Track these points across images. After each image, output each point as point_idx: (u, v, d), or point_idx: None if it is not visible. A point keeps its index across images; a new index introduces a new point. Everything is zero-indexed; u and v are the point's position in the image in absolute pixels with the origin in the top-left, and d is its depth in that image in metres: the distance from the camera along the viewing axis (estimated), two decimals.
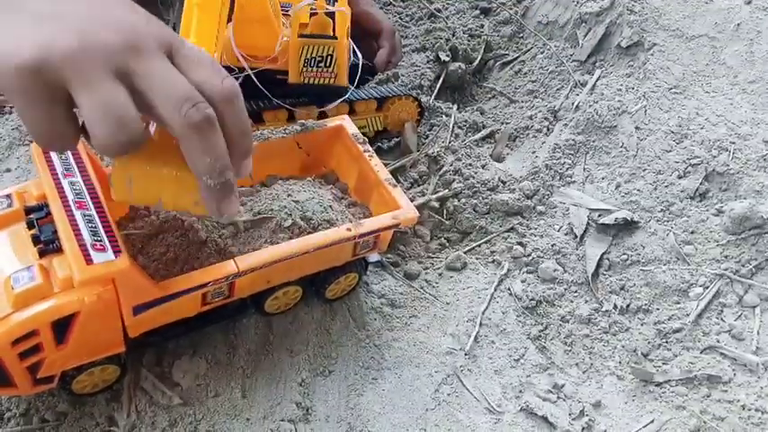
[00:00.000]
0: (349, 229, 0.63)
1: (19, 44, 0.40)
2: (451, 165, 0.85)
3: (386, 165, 0.84)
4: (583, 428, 0.64)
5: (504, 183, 0.84)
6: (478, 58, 1.04)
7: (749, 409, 0.64)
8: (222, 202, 0.46)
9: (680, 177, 0.81)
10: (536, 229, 0.81)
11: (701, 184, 0.80)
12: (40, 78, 0.39)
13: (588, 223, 0.79)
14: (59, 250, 0.54)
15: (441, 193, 0.82)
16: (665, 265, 0.75)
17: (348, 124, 0.74)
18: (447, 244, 0.81)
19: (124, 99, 0.41)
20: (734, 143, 0.83)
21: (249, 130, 0.46)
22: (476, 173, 0.85)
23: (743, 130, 0.85)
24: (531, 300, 0.74)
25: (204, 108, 0.42)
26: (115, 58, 0.40)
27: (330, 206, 0.67)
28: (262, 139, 0.71)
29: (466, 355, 0.70)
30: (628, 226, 0.78)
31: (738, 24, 0.95)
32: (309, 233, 0.63)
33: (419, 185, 0.84)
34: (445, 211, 0.82)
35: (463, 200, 0.82)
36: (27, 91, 0.40)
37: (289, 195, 0.67)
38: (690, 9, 0.99)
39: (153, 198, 0.49)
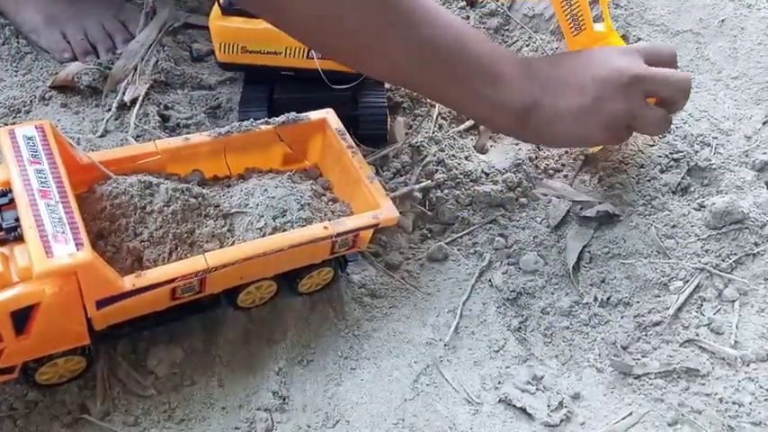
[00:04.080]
0: (326, 228, 0.62)
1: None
2: (435, 155, 0.84)
3: (369, 154, 0.84)
4: (561, 420, 0.64)
5: (486, 174, 0.84)
6: None
7: (726, 403, 0.64)
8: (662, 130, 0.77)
9: (662, 171, 0.81)
10: (518, 221, 0.80)
11: (682, 178, 0.80)
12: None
13: (570, 216, 0.79)
14: (21, 239, 0.52)
15: (423, 184, 0.81)
16: (645, 258, 0.75)
17: (332, 118, 0.73)
18: (429, 235, 0.80)
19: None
20: (716, 138, 0.84)
21: (685, 91, 0.73)
22: (459, 164, 0.84)
23: (725, 126, 0.86)
24: (512, 291, 0.74)
25: (668, 125, 0.74)
26: (619, 125, 0.72)
27: (308, 203, 0.65)
28: (242, 131, 0.69)
29: (446, 345, 0.69)
30: (609, 219, 0.78)
31: (723, 20, 0.95)
32: (284, 231, 0.62)
33: (402, 176, 0.83)
34: (427, 202, 0.82)
35: (446, 191, 0.82)
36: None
37: (265, 191, 0.65)
38: (675, 4, 0.99)
39: None
